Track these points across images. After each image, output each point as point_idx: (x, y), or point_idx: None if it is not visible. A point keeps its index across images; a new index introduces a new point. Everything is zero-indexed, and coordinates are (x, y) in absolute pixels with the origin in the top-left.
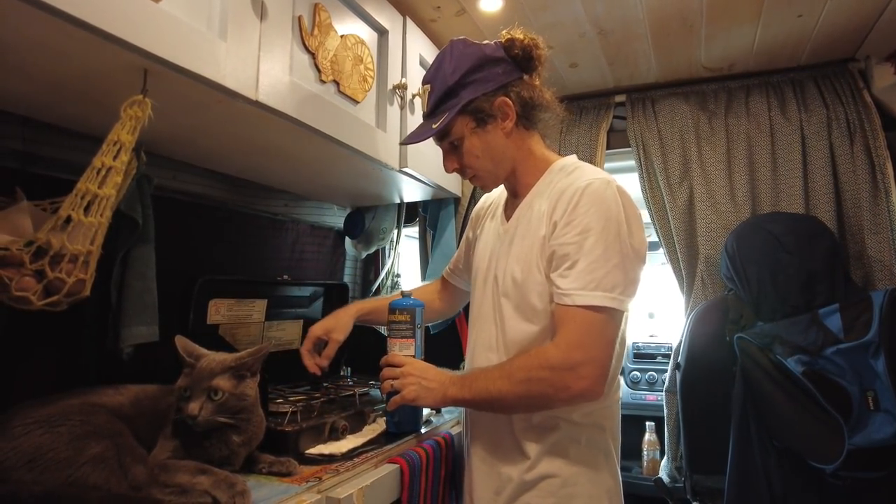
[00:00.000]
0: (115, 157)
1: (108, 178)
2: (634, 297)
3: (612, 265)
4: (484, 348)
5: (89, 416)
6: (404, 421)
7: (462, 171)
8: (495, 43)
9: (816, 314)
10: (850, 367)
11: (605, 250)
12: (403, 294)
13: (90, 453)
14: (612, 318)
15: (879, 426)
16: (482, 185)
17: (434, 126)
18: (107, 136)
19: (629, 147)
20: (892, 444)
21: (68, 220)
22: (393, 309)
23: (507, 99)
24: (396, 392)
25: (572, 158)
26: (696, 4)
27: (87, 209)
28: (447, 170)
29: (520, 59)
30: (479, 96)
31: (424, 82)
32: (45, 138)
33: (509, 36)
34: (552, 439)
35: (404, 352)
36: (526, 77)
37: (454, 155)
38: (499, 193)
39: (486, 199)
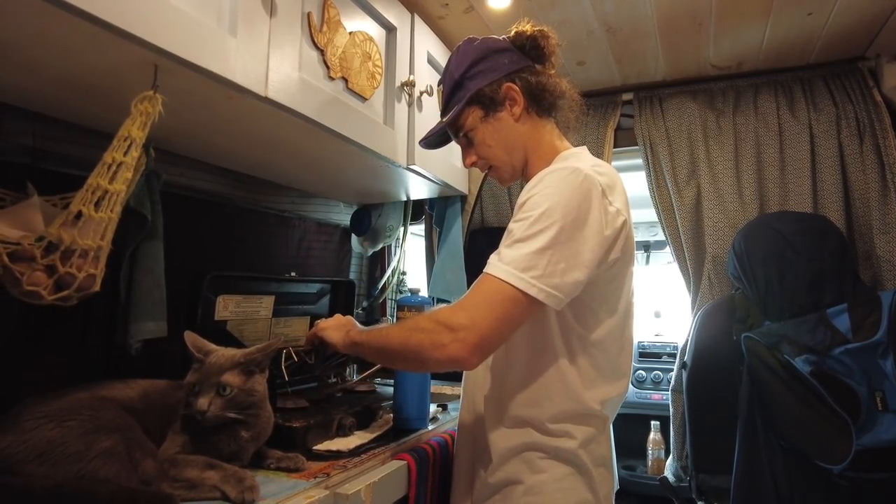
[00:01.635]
0: (125, 153)
1: (118, 173)
2: (559, 291)
3: (537, 248)
4: None
5: (99, 411)
6: (411, 417)
7: (479, 164)
8: (503, 38)
9: (824, 314)
10: (858, 368)
11: (536, 232)
12: (412, 292)
13: (100, 447)
14: (514, 297)
15: (888, 427)
16: (499, 178)
17: (443, 119)
18: (117, 132)
19: (637, 145)
20: None
21: (79, 215)
22: (401, 306)
23: (513, 84)
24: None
25: (578, 149)
26: (705, 2)
27: (97, 205)
28: (466, 165)
29: (528, 49)
30: (485, 85)
31: (439, 83)
32: (55, 134)
33: (517, 29)
34: (518, 444)
35: None
36: (539, 66)
37: (470, 148)
38: None
39: None
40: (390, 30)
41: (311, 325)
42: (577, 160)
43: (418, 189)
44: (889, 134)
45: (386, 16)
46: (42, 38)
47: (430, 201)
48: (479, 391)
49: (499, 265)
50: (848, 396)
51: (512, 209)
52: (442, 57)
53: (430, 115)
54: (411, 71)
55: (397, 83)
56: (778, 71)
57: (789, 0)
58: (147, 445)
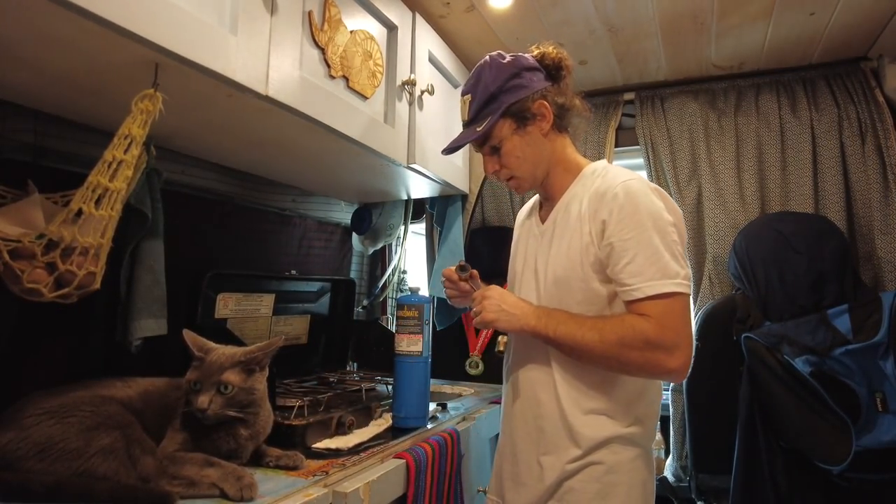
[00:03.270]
0: (125, 151)
1: (118, 171)
2: (690, 282)
3: (670, 255)
4: (523, 343)
5: (99, 408)
6: (410, 416)
7: (501, 172)
8: (530, 56)
9: (825, 314)
10: (858, 368)
11: (659, 242)
12: (412, 290)
13: (99, 444)
14: (685, 302)
15: (888, 428)
16: (518, 187)
17: (479, 129)
18: (118, 130)
19: (638, 145)
20: None
21: (79, 213)
22: (401, 305)
23: (545, 101)
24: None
25: (602, 163)
26: (706, 2)
27: (97, 202)
28: (487, 172)
29: (551, 69)
30: (519, 100)
31: (464, 94)
32: (56, 132)
33: (540, 50)
34: (603, 433)
35: (411, 348)
36: (557, 86)
37: (495, 157)
38: (534, 201)
39: (527, 206)
40: (391, 28)
41: (311, 324)
42: (626, 172)
43: (419, 188)
44: (891, 134)
45: (387, 14)
46: (44, 36)
47: (431, 200)
48: (542, 387)
49: (655, 283)
50: (848, 397)
51: (513, 209)
52: (443, 56)
53: (430, 114)
54: (412, 70)
55: (398, 82)
56: (780, 71)
57: (791, 0)
58: (146, 443)
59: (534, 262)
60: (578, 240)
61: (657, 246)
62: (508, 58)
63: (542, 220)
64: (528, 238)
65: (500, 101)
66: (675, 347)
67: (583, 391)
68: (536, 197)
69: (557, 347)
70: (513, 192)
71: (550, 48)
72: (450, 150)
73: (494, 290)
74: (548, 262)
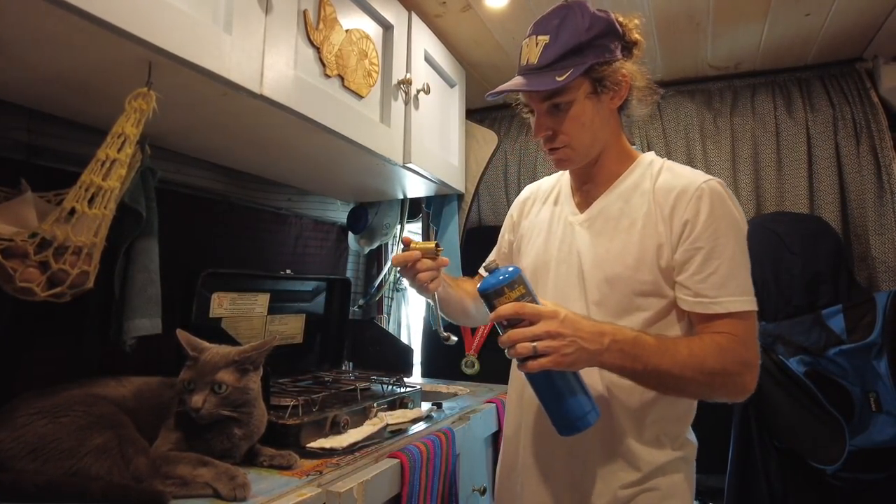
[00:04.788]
0: (119, 150)
1: (112, 170)
2: None
3: (747, 269)
4: None
5: (92, 407)
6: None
7: (554, 138)
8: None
9: (820, 315)
10: (852, 368)
11: (741, 254)
12: (489, 269)
13: (93, 444)
14: (756, 320)
15: (881, 428)
16: (564, 159)
17: (559, 79)
18: (111, 129)
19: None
20: (894, 445)
21: (72, 211)
22: (500, 291)
23: (628, 75)
24: (535, 356)
25: (654, 154)
26: (703, 2)
27: (91, 201)
28: (536, 134)
29: (629, 44)
30: (607, 62)
31: (540, 32)
32: (50, 130)
33: (626, 25)
34: (662, 459)
35: None
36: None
37: (551, 118)
38: (551, 183)
39: (536, 189)
40: (387, 28)
41: (307, 323)
42: (691, 169)
43: (415, 187)
44: (886, 135)
45: (383, 14)
46: (38, 34)
47: (427, 199)
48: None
49: (736, 299)
50: (842, 397)
51: (509, 207)
52: (439, 55)
53: (426, 113)
54: (408, 69)
55: (394, 81)
56: (775, 71)
57: (787, 1)
58: (139, 442)
59: (577, 256)
60: (652, 239)
61: (739, 259)
62: (601, 11)
63: (581, 208)
64: (562, 226)
65: (586, 55)
66: (755, 367)
67: (637, 405)
68: (555, 180)
69: (634, 380)
70: (509, 190)
71: (627, 19)
72: (499, 92)
73: (562, 317)
74: (604, 259)
